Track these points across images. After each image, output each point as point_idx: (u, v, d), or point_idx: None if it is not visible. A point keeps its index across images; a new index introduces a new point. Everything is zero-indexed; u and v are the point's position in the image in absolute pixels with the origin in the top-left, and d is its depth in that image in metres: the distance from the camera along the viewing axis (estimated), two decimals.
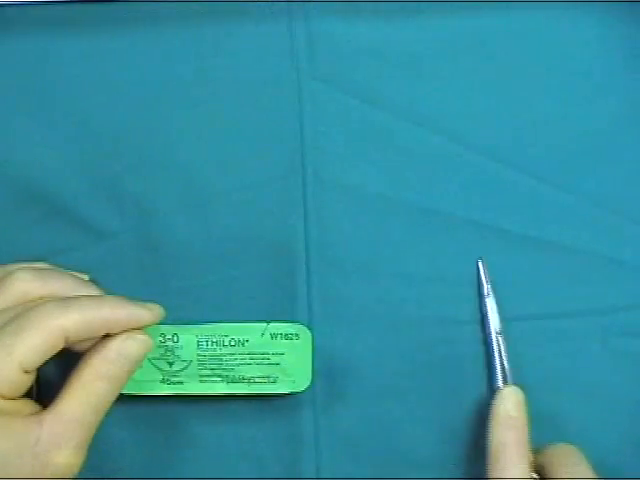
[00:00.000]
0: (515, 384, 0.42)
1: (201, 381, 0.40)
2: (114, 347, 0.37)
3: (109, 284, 0.41)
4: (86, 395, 0.37)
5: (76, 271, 0.42)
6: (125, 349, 0.37)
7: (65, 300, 0.37)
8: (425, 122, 0.44)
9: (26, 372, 0.36)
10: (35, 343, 0.36)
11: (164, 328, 0.40)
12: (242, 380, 0.40)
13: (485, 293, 0.44)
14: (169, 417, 0.44)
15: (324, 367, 0.43)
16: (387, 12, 0.44)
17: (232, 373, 0.40)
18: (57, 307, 0.37)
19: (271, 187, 0.44)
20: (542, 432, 0.44)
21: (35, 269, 0.40)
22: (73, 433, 0.36)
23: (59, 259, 0.43)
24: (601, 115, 0.44)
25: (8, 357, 0.35)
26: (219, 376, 0.40)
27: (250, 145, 0.44)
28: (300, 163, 0.44)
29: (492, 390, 0.43)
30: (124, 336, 0.38)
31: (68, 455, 0.36)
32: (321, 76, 0.44)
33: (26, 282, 0.38)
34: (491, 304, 0.44)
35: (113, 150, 0.44)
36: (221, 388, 0.40)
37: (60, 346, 0.36)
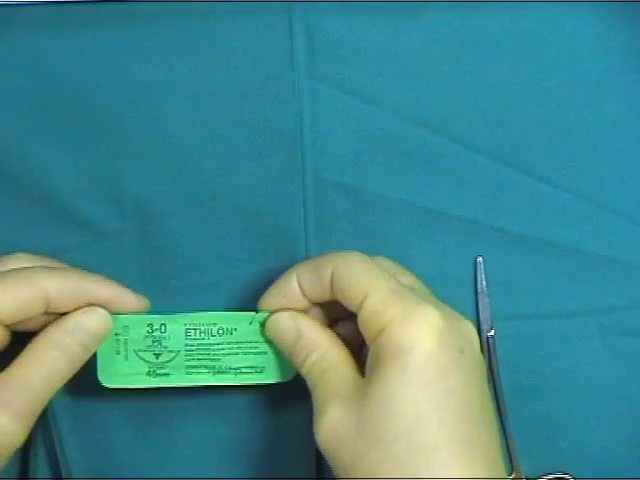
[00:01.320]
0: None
1: (187, 373, 0.40)
2: (73, 318, 0.37)
3: None
4: (36, 362, 0.36)
5: None
6: (84, 321, 0.37)
7: (53, 267, 0.38)
8: (425, 122, 0.44)
9: (1, 324, 0.36)
10: (16, 293, 0.36)
11: (152, 318, 0.39)
12: (229, 371, 0.40)
13: (479, 291, 0.44)
14: (167, 415, 0.44)
15: None
16: (387, 12, 0.44)
17: (219, 363, 0.40)
18: (44, 269, 0.37)
19: (271, 187, 0.44)
20: (542, 432, 0.44)
21: (34, 255, 0.40)
22: (17, 398, 0.35)
23: (59, 259, 0.43)
24: (601, 115, 0.44)
25: None
26: (206, 367, 0.40)
27: (250, 145, 0.44)
28: (300, 163, 0.44)
29: None
30: (86, 309, 0.38)
31: (8, 420, 0.35)
32: (321, 76, 0.44)
33: (23, 260, 0.39)
34: (483, 303, 0.44)
35: (113, 150, 0.44)
36: (207, 379, 0.40)
37: (40, 307, 0.36)
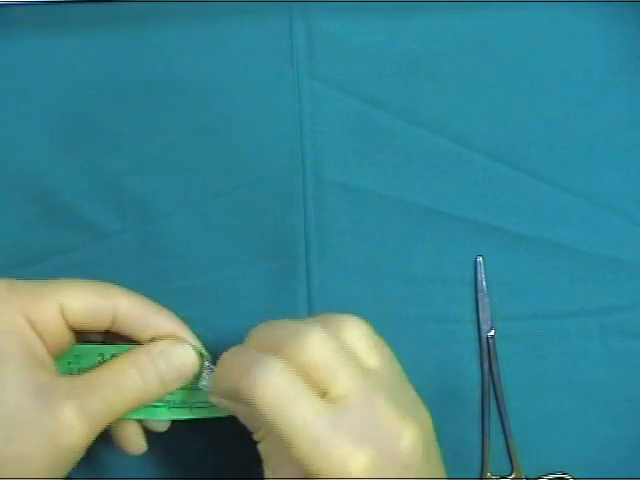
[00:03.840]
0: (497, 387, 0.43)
1: (145, 406, 0.38)
2: (160, 346, 0.37)
3: None
4: (112, 373, 0.36)
5: (76, 271, 0.42)
6: (170, 351, 0.37)
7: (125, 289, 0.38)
8: (425, 122, 0.44)
9: (67, 324, 0.35)
10: (87, 298, 0.36)
11: (102, 348, 0.38)
12: (184, 405, 0.38)
13: (479, 291, 0.44)
14: None
15: None
16: (387, 12, 0.44)
17: (173, 397, 0.38)
18: (117, 286, 0.37)
19: (271, 187, 0.44)
20: (542, 432, 0.44)
21: None
22: (84, 396, 0.35)
23: (59, 259, 0.43)
24: (601, 115, 0.44)
25: (53, 292, 0.35)
26: (161, 400, 0.38)
27: (250, 145, 0.44)
28: (300, 163, 0.44)
29: (483, 390, 0.44)
30: (174, 340, 0.37)
31: (72, 413, 0.34)
32: (321, 76, 0.44)
33: None
34: (483, 303, 0.44)
35: (113, 150, 0.44)
36: (163, 414, 0.38)
37: (106, 320, 0.36)
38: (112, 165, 0.44)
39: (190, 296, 0.44)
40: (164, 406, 0.38)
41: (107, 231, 0.44)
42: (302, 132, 0.44)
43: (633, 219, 0.44)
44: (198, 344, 0.38)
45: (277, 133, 0.44)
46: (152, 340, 0.37)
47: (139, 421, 0.38)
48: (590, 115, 0.44)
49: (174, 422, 0.39)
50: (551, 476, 0.43)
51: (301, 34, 0.44)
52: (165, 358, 0.37)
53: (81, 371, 0.37)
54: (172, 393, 0.38)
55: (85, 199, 0.44)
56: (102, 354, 0.38)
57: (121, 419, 0.37)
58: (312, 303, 0.44)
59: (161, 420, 0.39)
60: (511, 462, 0.43)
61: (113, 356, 0.37)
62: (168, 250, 0.44)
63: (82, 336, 0.38)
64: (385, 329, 0.44)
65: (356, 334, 0.35)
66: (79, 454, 0.35)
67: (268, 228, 0.44)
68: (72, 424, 0.34)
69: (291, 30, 0.44)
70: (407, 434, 0.33)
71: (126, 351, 0.37)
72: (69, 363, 0.38)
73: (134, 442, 0.38)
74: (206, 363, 0.38)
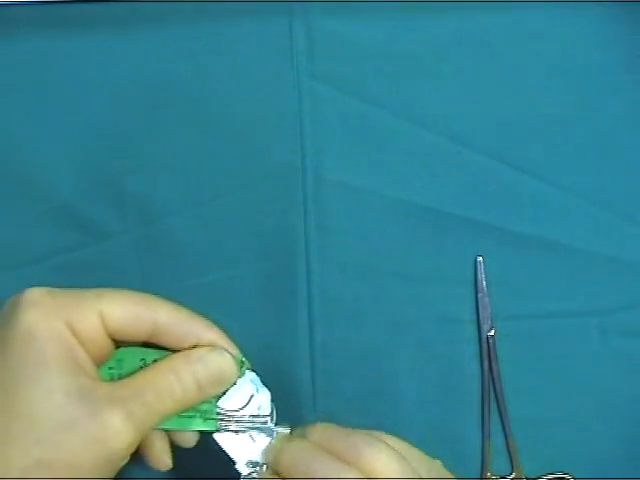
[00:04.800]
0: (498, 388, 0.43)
1: (179, 416, 0.37)
2: (199, 351, 0.37)
3: (109, 284, 0.41)
4: (151, 378, 0.36)
5: (76, 271, 0.43)
6: (208, 357, 0.37)
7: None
8: (425, 122, 0.44)
9: (108, 332, 0.35)
10: (127, 307, 0.35)
11: (145, 352, 0.38)
12: (218, 418, 0.38)
13: (479, 291, 0.44)
14: None
15: (324, 366, 0.43)
16: (387, 12, 0.44)
17: (209, 408, 0.38)
18: (156, 296, 0.37)
19: (271, 187, 0.44)
20: (542, 431, 0.44)
21: None
22: (129, 401, 0.34)
23: (59, 259, 0.43)
24: (601, 115, 0.44)
25: (94, 300, 0.35)
26: (198, 411, 0.38)
27: (250, 145, 0.44)
28: (300, 163, 0.44)
29: (483, 389, 0.44)
30: (213, 347, 0.37)
31: (119, 419, 0.34)
32: (321, 75, 0.44)
33: None
34: (483, 303, 0.44)
35: (113, 150, 0.44)
36: (197, 424, 0.38)
37: (146, 329, 0.36)
38: (112, 165, 0.44)
39: (190, 296, 0.43)
40: (199, 417, 0.38)
41: (107, 231, 0.44)
42: (302, 132, 0.44)
43: (633, 219, 0.44)
44: (238, 352, 0.38)
45: (277, 133, 0.44)
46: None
47: (168, 436, 0.38)
48: (590, 115, 0.44)
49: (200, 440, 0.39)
50: (551, 476, 0.43)
51: (301, 34, 0.44)
52: (202, 363, 0.36)
53: (122, 377, 0.37)
54: (209, 401, 0.38)
55: (85, 199, 0.44)
56: (144, 359, 0.37)
57: (154, 429, 0.37)
58: (312, 303, 0.44)
59: (195, 430, 0.38)
60: (511, 462, 0.44)
61: (155, 362, 0.37)
62: (168, 250, 0.44)
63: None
64: (385, 329, 0.44)
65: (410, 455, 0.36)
66: (124, 460, 0.35)
67: (268, 228, 0.44)
68: (119, 429, 0.34)
69: (291, 30, 0.44)
70: None
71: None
72: (110, 368, 0.37)
73: (162, 458, 0.38)
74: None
